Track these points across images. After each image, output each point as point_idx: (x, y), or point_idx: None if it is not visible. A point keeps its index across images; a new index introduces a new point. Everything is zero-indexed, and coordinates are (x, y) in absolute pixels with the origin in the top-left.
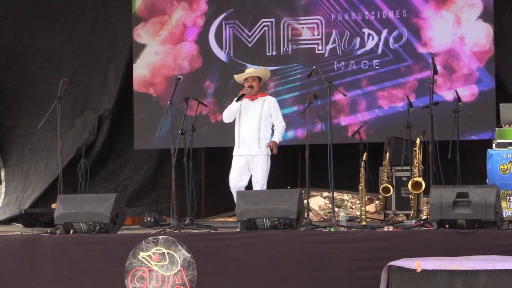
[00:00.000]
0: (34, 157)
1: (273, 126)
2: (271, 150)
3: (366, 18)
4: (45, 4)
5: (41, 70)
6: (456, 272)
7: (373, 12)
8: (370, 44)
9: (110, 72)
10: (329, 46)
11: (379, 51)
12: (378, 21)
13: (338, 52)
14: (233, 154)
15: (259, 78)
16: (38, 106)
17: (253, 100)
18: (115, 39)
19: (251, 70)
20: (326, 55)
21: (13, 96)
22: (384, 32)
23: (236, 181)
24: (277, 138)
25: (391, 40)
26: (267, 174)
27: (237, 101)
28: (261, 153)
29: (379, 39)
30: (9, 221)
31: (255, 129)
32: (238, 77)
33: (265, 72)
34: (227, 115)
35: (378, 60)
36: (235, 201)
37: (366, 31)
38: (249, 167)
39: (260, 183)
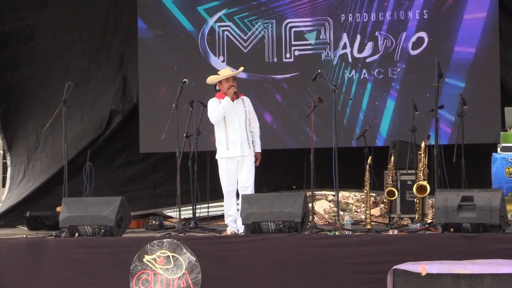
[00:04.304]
0: (41, 155)
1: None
2: (255, 161)
3: (381, 19)
4: (54, 3)
5: (49, 69)
6: (461, 276)
7: (389, 13)
8: (385, 50)
9: (123, 71)
10: (338, 51)
11: (396, 58)
12: (395, 23)
13: (349, 59)
14: (220, 156)
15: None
16: (47, 105)
17: (233, 100)
18: (128, 38)
19: (229, 71)
20: (334, 62)
21: (21, 95)
22: (402, 36)
23: (228, 185)
24: (260, 147)
25: (410, 45)
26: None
27: (235, 99)
28: (251, 154)
29: (396, 44)
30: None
31: (244, 129)
32: (217, 78)
33: (240, 71)
34: (220, 115)
35: (394, 68)
36: (225, 205)
37: (381, 34)
38: (237, 168)
39: (250, 187)
